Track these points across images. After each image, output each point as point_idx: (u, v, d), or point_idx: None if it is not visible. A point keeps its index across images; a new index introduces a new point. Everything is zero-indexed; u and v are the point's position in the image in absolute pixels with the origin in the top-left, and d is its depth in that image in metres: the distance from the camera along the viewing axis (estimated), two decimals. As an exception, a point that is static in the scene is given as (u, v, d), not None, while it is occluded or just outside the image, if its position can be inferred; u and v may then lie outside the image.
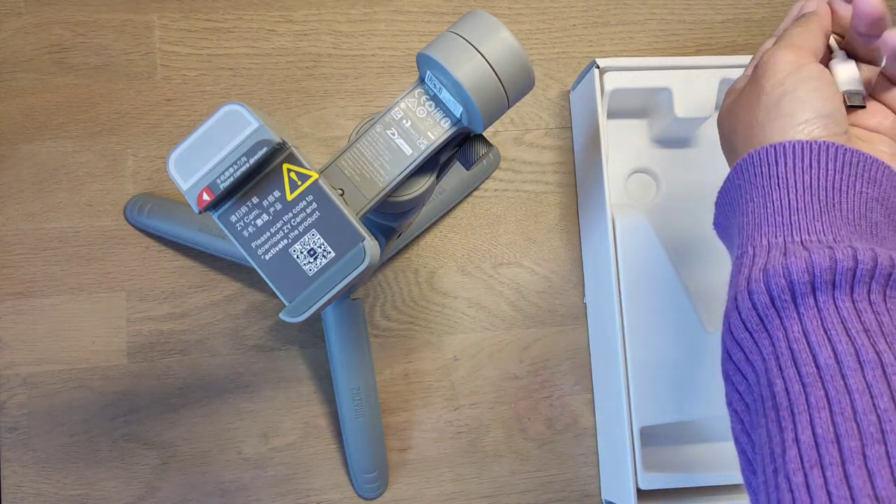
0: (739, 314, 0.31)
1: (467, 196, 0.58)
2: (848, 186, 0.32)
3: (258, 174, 0.33)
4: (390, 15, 0.59)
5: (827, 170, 0.32)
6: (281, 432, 0.54)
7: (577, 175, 0.59)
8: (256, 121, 0.32)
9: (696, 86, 0.54)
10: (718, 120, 0.40)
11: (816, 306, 0.29)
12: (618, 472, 0.51)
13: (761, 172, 0.33)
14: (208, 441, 0.53)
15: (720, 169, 0.58)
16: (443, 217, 0.57)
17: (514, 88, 0.34)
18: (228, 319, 0.55)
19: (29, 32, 0.56)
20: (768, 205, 0.32)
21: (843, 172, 0.32)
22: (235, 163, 0.32)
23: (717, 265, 0.57)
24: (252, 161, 0.31)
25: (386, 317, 0.56)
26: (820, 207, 0.31)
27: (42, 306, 0.54)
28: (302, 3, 0.58)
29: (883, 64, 0.36)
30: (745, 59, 0.54)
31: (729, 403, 0.32)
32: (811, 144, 0.32)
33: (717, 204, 0.37)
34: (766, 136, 0.34)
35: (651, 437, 0.53)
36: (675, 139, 0.58)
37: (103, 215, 0.55)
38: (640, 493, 0.50)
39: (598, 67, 0.53)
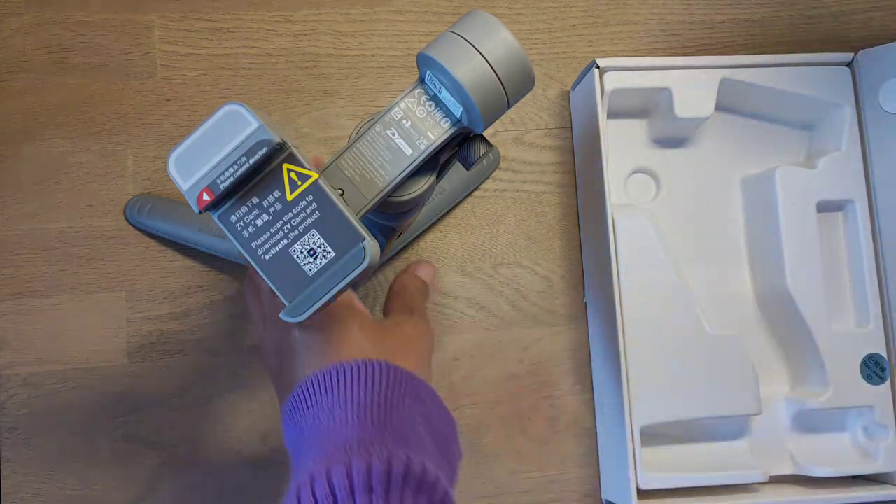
0: None
1: (467, 196, 0.58)
2: (397, 401, 0.35)
3: (258, 174, 0.33)
4: (390, 15, 0.59)
5: (380, 385, 0.35)
6: (281, 433, 0.54)
7: (577, 175, 0.59)
8: (256, 121, 0.32)
9: (696, 86, 0.54)
10: (266, 350, 0.42)
11: None
12: (618, 472, 0.51)
13: (326, 391, 0.35)
14: (208, 441, 0.53)
15: (720, 169, 0.58)
16: (443, 217, 0.57)
17: (514, 88, 0.34)
18: (228, 319, 0.55)
19: (29, 32, 0.56)
20: (331, 422, 0.34)
21: (393, 389, 0.35)
22: (235, 163, 0.32)
23: (717, 265, 0.57)
24: (252, 161, 0.31)
25: (386, 317, 0.56)
26: (372, 420, 0.34)
27: (42, 306, 0.54)
28: (302, 3, 0.58)
29: None
30: (746, 58, 0.54)
31: None
32: (367, 364, 0.35)
33: (285, 421, 0.38)
34: (325, 357, 0.37)
35: (651, 437, 0.53)
36: (675, 139, 0.58)
37: (103, 215, 0.55)
38: (640, 493, 0.50)
39: (598, 67, 0.53)
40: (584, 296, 0.58)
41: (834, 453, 0.55)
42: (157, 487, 0.53)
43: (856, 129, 0.55)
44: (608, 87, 0.53)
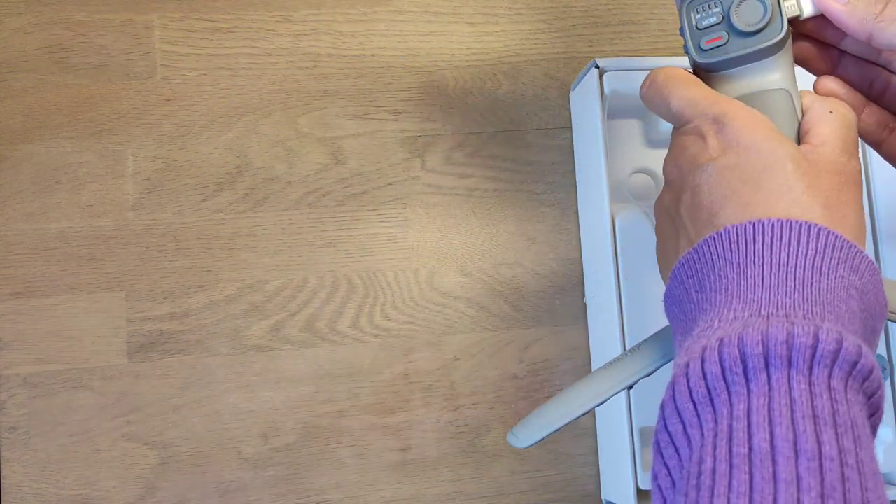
0: (688, 382, 0.28)
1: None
2: (829, 269, 0.29)
3: None
4: (390, 15, 0.59)
5: (808, 249, 0.29)
6: (281, 432, 0.54)
7: (577, 175, 0.59)
8: None
9: (696, 86, 0.53)
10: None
11: (768, 383, 0.27)
12: (618, 472, 0.51)
13: (738, 249, 0.30)
14: (208, 441, 0.53)
15: (720, 169, 0.58)
16: (442, 217, 0.57)
17: None
18: (228, 319, 0.55)
19: (29, 32, 0.56)
20: (741, 282, 0.30)
21: (824, 254, 0.30)
22: None
23: (717, 265, 0.57)
24: None
25: (386, 317, 0.56)
26: (794, 285, 0.29)
27: (42, 306, 0.54)
28: (302, 3, 0.58)
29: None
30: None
31: (654, 478, 0.30)
32: (791, 223, 0.30)
33: (674, 275, 0.33)
34: (745, 210, 0.31)
35: (651, 438, 0.53)
36: (675, 139, 0.58)
37: (103, 215, 0.55)
38: (640, 493, 0.50)
39: (597, 67, 0.53)
40: (583, 296, 0.58)
41: (834, 453, 0.55)
42: (157, 487, 0.53)
43: (856, 129, 0.55)
44: (608, 87, 0.53)
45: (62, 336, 0.54)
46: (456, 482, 0.55)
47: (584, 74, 0.55)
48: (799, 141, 0.34)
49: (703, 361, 0.28)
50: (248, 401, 0.54)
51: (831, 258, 0.30)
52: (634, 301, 0.51)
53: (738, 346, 0.27)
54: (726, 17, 0.35)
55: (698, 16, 0.36)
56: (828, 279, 0.29)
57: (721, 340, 0.27)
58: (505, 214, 0.58)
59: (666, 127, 0.56)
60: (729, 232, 0.31)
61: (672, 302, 0.34)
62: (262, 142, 0.57)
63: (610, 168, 0.54)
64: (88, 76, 0.56)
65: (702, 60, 0.36)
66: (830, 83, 0.38)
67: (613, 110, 0.56)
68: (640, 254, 0.52)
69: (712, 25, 0.35)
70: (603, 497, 0.55)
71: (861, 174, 0.34)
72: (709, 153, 0.33)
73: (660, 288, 0.52)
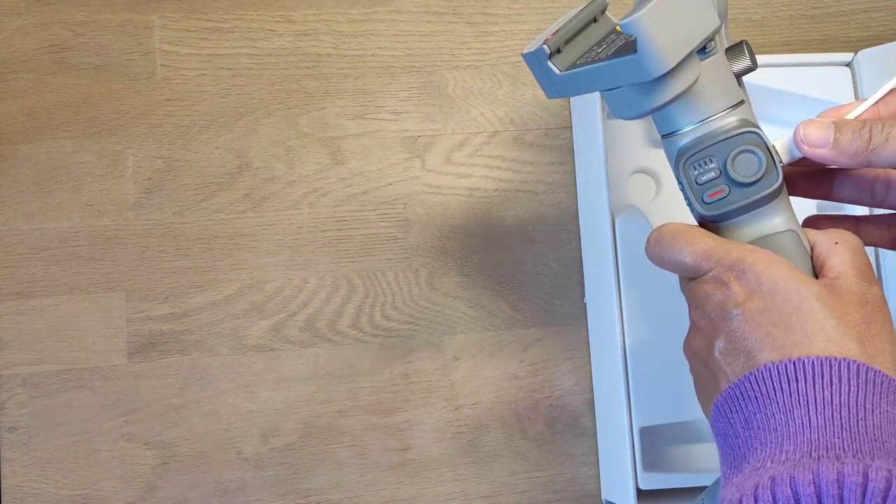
0: None
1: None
2: (873, 405, 0.30)
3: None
4: (390, 15, 0.59)
5: (849, 386, 0.30)
6: (281, 432, 0.54)
7: (577, 175, 0.59)
8: None
9: (696, 86, 0.53)
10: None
11: None
12: (618, 472, 0.51)
13: (780, 388, 0.31)
14: (208, 441, 0.53)
15: (720, 169, 0.58)
16: (442, 217, 0.57)
17: None
18: (228, 319, 0.55)
19: (29, 32, 0.56)
20: (789, 422, 0.31)
21: (866, 391, 0.31)
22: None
23: (717, 265, 0.57)
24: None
25: (386, 317, 0.56)
26: (841, 424, 0.30)
27: (42, 306, 0.54)
28: (302, 3, 0.58)
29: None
30: (745, 59, 0.54)
31: None
32: (831, 361, 0.31)
33: (717, 409, 0.34)
34: (781, 352, 0.32)
35: (651, 437, 0.53)
36: (675, 139, 0.58)
37: (103, 215, 0.55)
38: (640, 493, 0.50)
39: (598, 67, 0.53)
40: (583, 296, 0.58)
41: (834, 453, 0.55)
42: (157, 487, 0.53)
43: (856, 129, 0.55)
44: (608, 87, 0.53)
45: (62, 336, 0.54)
46: (456, 482, 0.55)
47: (584, 74, 0.55)
48: (816, 276, 0.35)
49: (756, 500, 0.29)
50: (248, 401, 0.54)
51: (874, 394, 0.31)
52: (634, 301, 0.51)
53: (790, 485, 0.28)
54: (724, 171, 0.36)
55: (696, 171, 0.36)
56: (873, 416, 0.30)
57: (773, 479, 0.28)
58: (505, 214, 0.58)
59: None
60: (770, 370, 0.32)
61: (717, 433, 0.35)
62: (262, 142, 0.57)
63: (610, 168, 0.54)
64: (88, 76, 0.56)
65: (708, 213, 0.37)
66: (818, 220, 0.39)
67: (613, 110, 0.56)
68: (640, 254, 0.52)
69: (712, 180, 0.36)
70: (603, 497, 0.55)
71: (884, 299, 0.34)
72: (734, 299, 0.34)
73: (659, 288, 0.53)
